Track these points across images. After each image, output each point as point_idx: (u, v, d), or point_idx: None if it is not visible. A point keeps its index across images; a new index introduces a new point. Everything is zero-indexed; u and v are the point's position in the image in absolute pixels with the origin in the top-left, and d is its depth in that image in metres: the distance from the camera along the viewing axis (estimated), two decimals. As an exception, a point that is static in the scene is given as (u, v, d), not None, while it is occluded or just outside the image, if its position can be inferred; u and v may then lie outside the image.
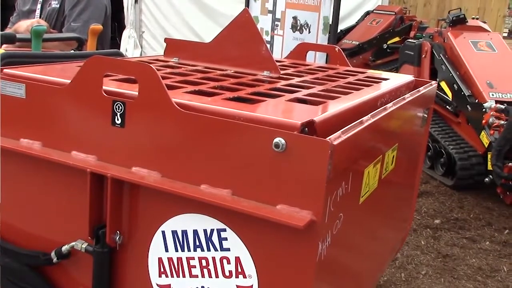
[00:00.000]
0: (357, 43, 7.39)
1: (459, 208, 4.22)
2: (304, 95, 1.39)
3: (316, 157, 1.00)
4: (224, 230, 1.12)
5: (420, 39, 5.59)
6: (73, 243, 1.26)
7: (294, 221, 1.00)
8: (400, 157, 1.69)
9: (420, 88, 1.81)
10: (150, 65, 1.14)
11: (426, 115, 1.99)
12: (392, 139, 1.56)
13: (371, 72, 1.95)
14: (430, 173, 4.78)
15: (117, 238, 1.21)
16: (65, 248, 1.27)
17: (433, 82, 1.97)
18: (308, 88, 1.49)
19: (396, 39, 7.69)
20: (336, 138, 1.03)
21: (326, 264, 1.13)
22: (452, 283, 3.24)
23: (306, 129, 1.07)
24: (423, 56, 5.21)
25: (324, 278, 1.15)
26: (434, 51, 5.07)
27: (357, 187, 1.28)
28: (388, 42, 7.62)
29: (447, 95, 4.74)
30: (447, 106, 4.74)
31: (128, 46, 7.02)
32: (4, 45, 2.30)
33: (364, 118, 1.23)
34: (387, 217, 1.85)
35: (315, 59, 3.69)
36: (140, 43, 7.31)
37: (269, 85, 1.49)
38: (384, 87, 1.64)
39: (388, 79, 1.80)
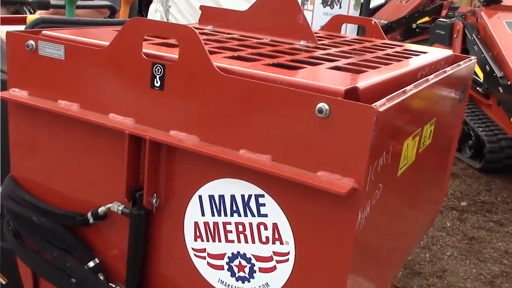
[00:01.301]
0: (386, 22, 7.26)
1: (486, 191, 4.16)
2: (344, 64, 1.36)
3: (361, 124, 0.98)
4: (262, 196, 1.11)
5: (452, 19, 5.45)
6: (110, 205, 1.27)
7: (336, 188, 0.99)
8: (437, 133, 1.66)
9: (461, 63, 1.76)
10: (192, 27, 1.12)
11: (464, 92, 1.94)
12: (431, 113, 1.52)
13: (409, 45, 1.91)
14: (457, 155, 4.71)
15: (154, 201, 1.21)
16: (101, 209, 1.28)
17: (473, 57, 1.92)
18: (346, 58, 1.46)
19: (426, 18, 7.53)
20: (382, 105, 1.01)
21: (363, 235, 1.11)
22: (478, 265, 3.21)
23: (349, 95, 1.04)
24: (455, 35, 5.09)
25: (361, 249, 1.14)
26: (466, 31, 4.95)
27: (396, 159, 1.26)
28: (418, 22, 7.47)
29: (478, 76, 4.64)
30: (478, 88, 4.65)
31: (155, 20, 7.00)
32: (38, 11, 2.31)
33: (407, 87, 1.20)
34: (420, 195, 1.82)
35: (346, 33, 3.62)
36: (166, 17, 7.29)
37: (307, 53, 1.46)
38: (424, 59, 1.60)
39: (427, 52, 1.76)
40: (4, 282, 1.93)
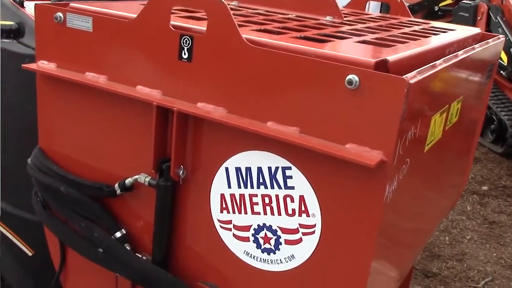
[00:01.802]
0: (408, 4, 7.14)
1: (508, 176, 4.11)
2: (372, 39, 1.34)
3: (392, 96, 0.97)
4: (289, 168, 1.11)
5: (476, 1, 5.35)
6: (137, 176, 1.28)
7: (365, 160, 0.98)
8: (463, 112, 1.64)
9: (489, 40, 1.73)
10: (220, -2, 1.12)
11: (490, 72, 1.91)
12: (459, 90, 1.50)
13: (436, 23, 1.88)
14: (479, 140, 4.65)
15: (181, 172, 1.22)
16: (128, 181, 1.29)
17: (501, 36, 1.88)
18: (374, 33, 1.44)
19: (449, 1, 7.38)
20: (412, 77, 1.00)
21: (390, 210, 1.11)
22: (498, 249, 3.18)
23: (379, 67, 1.03)
24: (479, 18, 5.00)
25: (388, 224, 1.14)
26: (490, 13, 4.85)
27: (423, 134, 1.25)
28: (440, 5, 7.33)
29: (502, 60, 4.56)
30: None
31: None
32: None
33: (437, 62, 1.19)
34: (443, 177, 1.81)
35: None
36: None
37: (333, 28, 1.45)
38: (452, 36, 1.58)
39: (454, 30, 1.73)
40: (30, 254, 1.97)
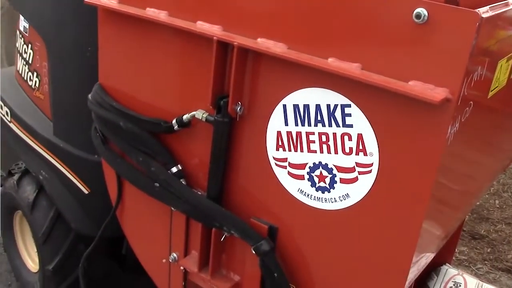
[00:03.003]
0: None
1: None
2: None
3: (462, 31, 0.93)
4: (349, 105, 1.09)
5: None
6: (194, 112, 1.30)
7: (429, 97, 0.96)
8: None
9: None
10: None
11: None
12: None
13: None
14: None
15: (238, 108, 1.23)
16: (186, 117, 1.31)
17: None
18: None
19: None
20: (485, 12, 0.96)
21: (449, 154, 1.08)
22: (551, 214, 3.09)
23: (449, 1, 0.99)
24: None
25: (446, 167, 1.11)
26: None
27: (489, 78, 1.20)
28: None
29: None
30: None
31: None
32: None
33: (509, 0, 1.13)
34: (500, 134, 1.75)
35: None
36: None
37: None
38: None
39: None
40: (86, 192, 2.04)
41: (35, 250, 2.33)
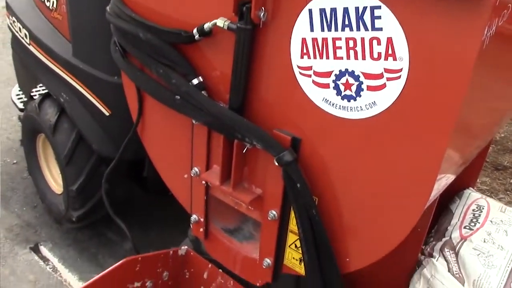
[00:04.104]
0: None
1: None
2: None
3: None
4: (379, 7, 1.04)
5: None
6: (216, 20, 1.25)
7: (467, -8, 0.90)
8: None
9: None
10: None
11: None
12: None
13: None
14: None
15: (262, 14, 1.18)
16: (207, 25, 1.27)
17: None
18: None
19: None
20: None
21: (483, 60, 1.02)
22: None
23: None
24: None
25: (479, 75, 1.06)
26: None
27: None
28: None
29: None
30: None
31: None
32: None
33: None
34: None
35: None
36: None
37: None
38: None
39: None
40: (107, 114, 2.04)
41: (59, 172, 2.37)
